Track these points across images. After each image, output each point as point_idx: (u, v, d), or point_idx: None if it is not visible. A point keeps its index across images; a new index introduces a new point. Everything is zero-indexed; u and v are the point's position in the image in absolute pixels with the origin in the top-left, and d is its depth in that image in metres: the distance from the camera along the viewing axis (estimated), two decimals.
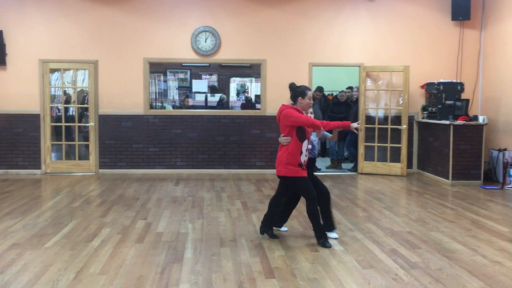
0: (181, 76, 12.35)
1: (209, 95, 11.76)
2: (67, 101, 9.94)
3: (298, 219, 5.85)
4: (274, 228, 5.22)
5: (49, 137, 9.37)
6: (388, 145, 9.46)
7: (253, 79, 12.11)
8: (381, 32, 9.68)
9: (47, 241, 4.98)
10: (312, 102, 5.04)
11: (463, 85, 8.99)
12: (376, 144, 9.54)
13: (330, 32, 9.64)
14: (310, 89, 5.02)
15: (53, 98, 9.63)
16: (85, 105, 9.67)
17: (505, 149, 8.60)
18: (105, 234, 5.24)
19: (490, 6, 9.37)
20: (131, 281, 3.92)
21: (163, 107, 11.74)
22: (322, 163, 10.63)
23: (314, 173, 5.34)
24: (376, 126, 9.53)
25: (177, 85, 12.36)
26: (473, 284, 3.90)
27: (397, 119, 9.54)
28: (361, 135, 9.54)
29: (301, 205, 5.41)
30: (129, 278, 3.97)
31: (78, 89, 9.94)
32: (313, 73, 9.67)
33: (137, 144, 9.49)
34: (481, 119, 8.50)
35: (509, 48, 8.72)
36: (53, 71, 9.53)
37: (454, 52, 9.72)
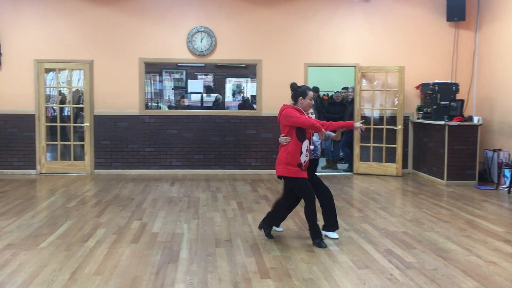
0: (177, 76, 12.35)
1: (204, 95, 11.76)
2: (62, 101, 9.90)
3: (294, 219, 5.86)
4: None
5: (44, 137, 9.34)
6: (384, 145, 9.49)
7: (249, 79, 12.11)
8: (376, 33, 9.70)
9: (42, 241, 4.97)
10: (313, 102, 5.05)
11: (458, 85, 9.02)
12: (371, 145, 9.57)
13: (325, 33, 9.65)
14: (311, 89, 5.02)
15: (48, 98, 9.59)
16: (81, 105, 9.64)
17: (499, 150, 8.64)
18: (100, 235, 5.23)
19: (485, 7, 9.41)
20: (126, 281, 3.91)
21: (158, 107, 11.73)
22: None
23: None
24: (372, 126, 9.55)
25: (172, 85, 12.36)
26: (468, 284, 3.92)
27: (392, 120, 9.56)
28: (357, 136, 9.57)
29: (298, 205, 5.41)
30: (124, 279, 3.96)
31: (73, 89, 9.91)
32: (309, 74, 9.69)
33: (132, 144, 9.47)
34: (476, 120, 8.54)
35: (504, 49, 8.76)
36: (48, 71, 9.49)
37: (449, 52, 9.75)
